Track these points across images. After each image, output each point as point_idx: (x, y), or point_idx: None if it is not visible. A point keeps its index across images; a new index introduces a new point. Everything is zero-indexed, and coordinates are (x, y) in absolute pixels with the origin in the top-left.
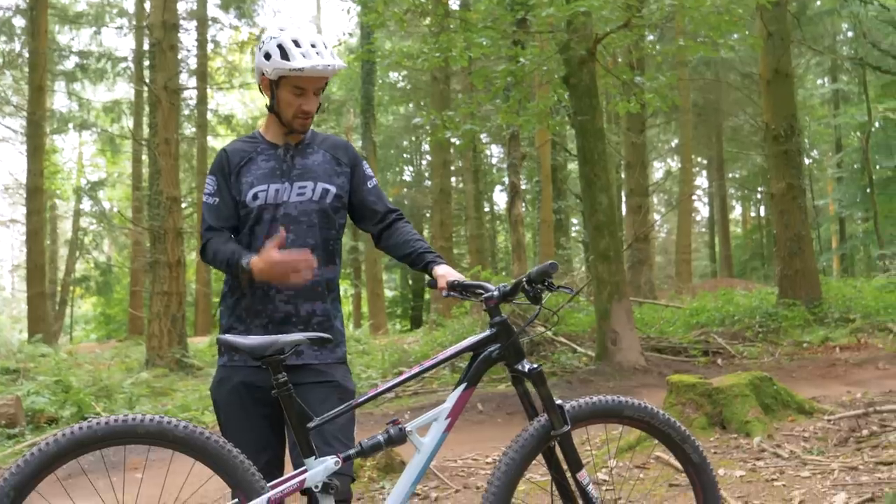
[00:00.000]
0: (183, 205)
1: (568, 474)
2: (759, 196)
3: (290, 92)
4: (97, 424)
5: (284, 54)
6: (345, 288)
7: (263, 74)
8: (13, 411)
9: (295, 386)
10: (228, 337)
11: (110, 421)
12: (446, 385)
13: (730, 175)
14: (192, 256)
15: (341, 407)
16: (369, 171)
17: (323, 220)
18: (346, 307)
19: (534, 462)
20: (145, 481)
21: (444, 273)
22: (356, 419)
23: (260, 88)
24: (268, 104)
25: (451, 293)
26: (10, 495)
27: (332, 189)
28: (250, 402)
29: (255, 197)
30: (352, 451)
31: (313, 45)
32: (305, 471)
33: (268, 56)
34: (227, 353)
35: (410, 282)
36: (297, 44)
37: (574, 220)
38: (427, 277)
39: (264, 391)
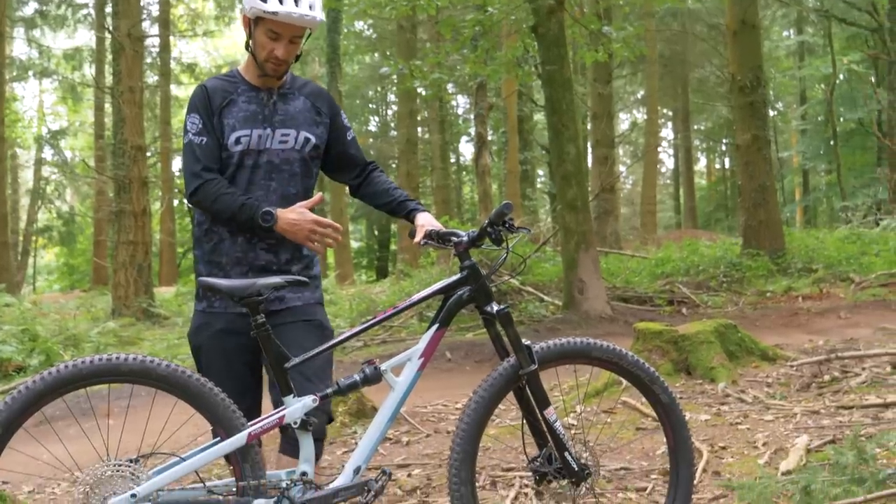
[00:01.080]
0: (147, 154)
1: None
2: (723, 148)
3: (265, 34)
4: (82, 363)
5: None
6: None
7: (244, 11)
8: None
9: (279, 326)
10: (210, 279)
11: (95, 360)
12: (414, 334)
13: (695, 127)
14: (157, 206)
15: (320, 347)
16: (347, 122)
17: (304, 169)
18: None
19: (505, 408)
20: (122, 427)
21: (424, 223)
22: (332, 362)
23: (242, 25)
24: (245, 43)
25: (428, 242)
26: None
27: (313, 139)
28: (231, 349)
29: (238, 141)
30: (329, 390)
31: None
32: (285, 409)
33: None
34: (205, 298)
35: (376, 232)
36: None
37: (540, 172)
38: (411, 227)
39: (245, 337)
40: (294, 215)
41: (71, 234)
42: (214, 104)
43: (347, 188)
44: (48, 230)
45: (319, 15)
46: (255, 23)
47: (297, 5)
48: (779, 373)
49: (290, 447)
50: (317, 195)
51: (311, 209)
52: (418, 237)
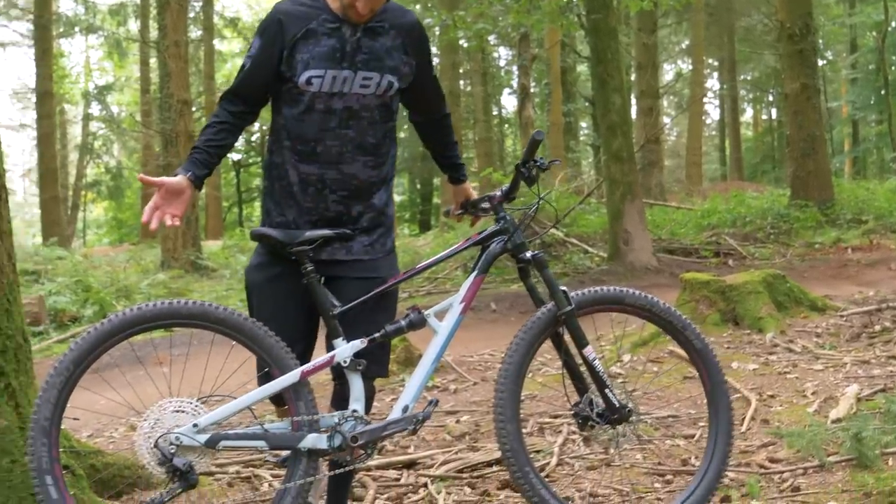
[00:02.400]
0: (193, 108)
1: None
2: (770, 98)
3: None
4: (146, 307)
5: None
6: None
7: None
8: (36, 310)
9: (341, 279)
10: (260, 228)
11: (157, 304)
12: (458, 285)
13: (742, 76)
14: None
15: (366, 296)
16: (432, 60)
17: (384, 114)
18: None
19: (551, 356)
20: (182, 373)
21: (462, 192)
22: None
23: None
24: None
25: (463, 212)
26: (69, 369)
27: (396, 83)
28: (287, 294)
29: (309, 82)
30: (376, 334)
31: None
32: (335, 351)
33: None
34: (264, 240)
35: (419, 186)
36: None
37: (583, 124)
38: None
39: (299, 281)
40: (164, 189)
41: (119, 188)
42: (288, 35)
43: (408, 115)
44: (97, 185)
45: None
46: None
47: None
48: (828, 323)
49: (339, 403)
50: (175, 218)
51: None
52: (455, 208)
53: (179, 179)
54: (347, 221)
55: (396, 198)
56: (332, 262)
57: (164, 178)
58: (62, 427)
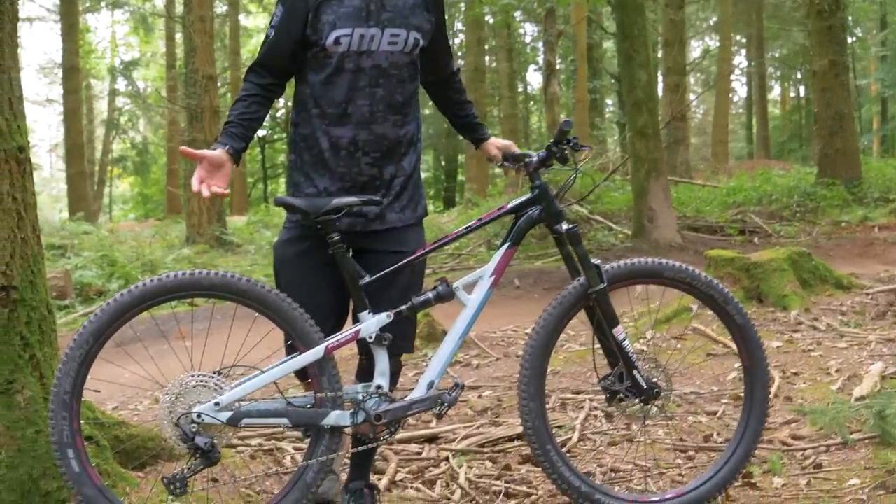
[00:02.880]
0: (218, 83)
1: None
2: (798, 76)
3: None
4: (167, 277)
5: None
6: None
7: None
8: (63, 284)
9: (373, 253)
10: (286, 197)
11: (178, 275)
12: (482, 262)
13: (769, 53)
14: None
15: (393, 266)
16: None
17: (412, 73)
18: None
19: (574, 333)
20: (204, 346)
21: (497, 144)
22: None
23: None
24: None
25: (506, 164)
26: (89, 342)
27: (421, 39)
28: (316, 268)
29: (338, 42)
30: (403, 307)
31: None
32: (360, 324)
33: None
34: (290, 211)
35: (444, 163)
36: None
37: (609, 101)
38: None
39: (329, 254)
40: (203, 163)
41: (145, 163)
42: (311, 1)
43: (425, 79)
44: (123, 160)
45: None
46: None
47: None
48: (853, 301)
49: (363, 377)
50: (223, 189)
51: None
52: (498, 160)
53: (219, 153)
54: (381, 186)
55: (421, 174)
56: (365, 233)
57: (205, 151)
58: (87, 398)
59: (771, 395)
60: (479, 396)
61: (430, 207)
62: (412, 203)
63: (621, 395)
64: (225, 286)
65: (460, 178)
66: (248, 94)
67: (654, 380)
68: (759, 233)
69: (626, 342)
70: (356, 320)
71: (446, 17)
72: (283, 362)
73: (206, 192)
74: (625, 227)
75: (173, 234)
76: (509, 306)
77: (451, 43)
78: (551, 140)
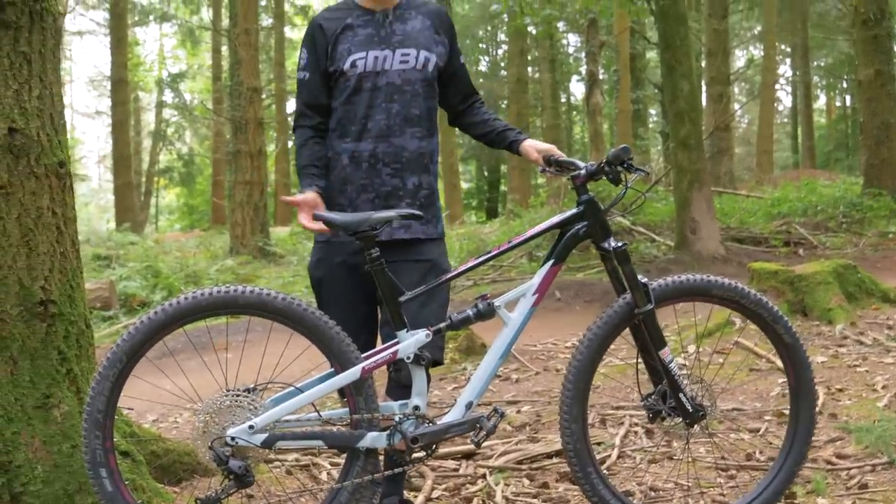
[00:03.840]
0: (262, 95)
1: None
2: (844, 85)
3: None
4: (201, 295)
5: None
6: None
7: None
8: (107, 295)
9: (394, 262)
10: (324, 213)
11: (213, 292)
12: (524, 274)
13: (815, 63)
14: (272, 147)
15: (432, 283)
16: (458, 47)
17: (427, 90)
18: None
19: (615, 347)
20: (240, 359)
21: (535, 148)
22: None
23: None
24: None
25: (548, 169)
26: (122, 360)
27: (433, 58)
28: (351, 282)
29: (354, 65)
30: (442, 325)
31: None
32: (398, 343)
33: None
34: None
35: (486, 173)
36: None
37: (652, 111)
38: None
39: (364, 269)
40: (301, 209)
41: (190, 174)
42: (328, 34)
43: (448, 118)
44: (169, 171)
45: None
46: None
47: None
48: None
49: (395, 391)
50: (319, 226)
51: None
52: (539, 164)
53: (309, 195)
54: (405, 196)
55: (464, 185)
56: (390, 243)
57: (299, 197)
58: (124, 413)
59: (816, 412)
60: (518, 412)
61: (473, 218)
62: (434, 219)
63: (664, 414)
64: (261, 304)
65: (503, 188)
66: (307, 138)
67: (700, 401)
68: (804, 244)
69: (674, 364)
70: (384, 335)
71: (489, 29)
72: (319, 381)
73: (315, 226)
74: (667, 239)
75: (217, 245)
76: (550, 319)
77: (464, 65)
78: (604, 159)
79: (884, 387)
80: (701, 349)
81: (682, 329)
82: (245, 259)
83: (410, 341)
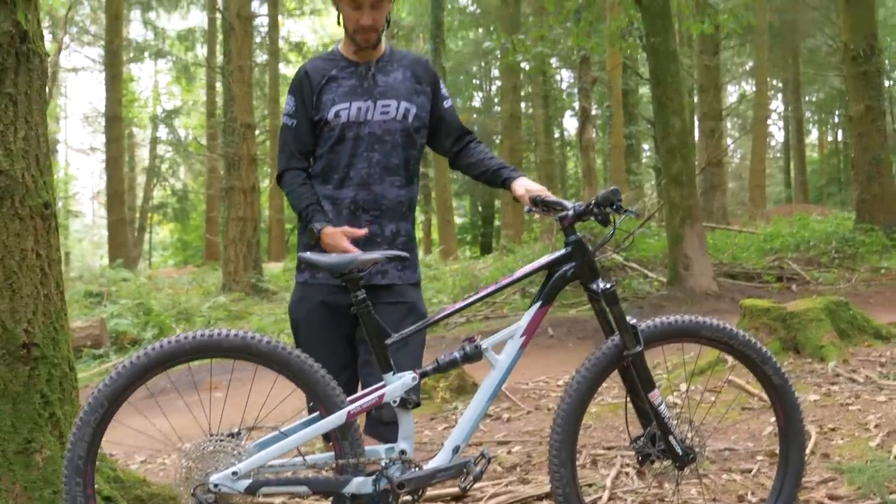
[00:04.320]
0: (256, 132)
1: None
2: (836, 120)
3: (348, 5)
4: (185, 339)
5: None
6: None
7: None
8: (98, 333)
9: (377, 305)
10: (310, 254)
11: (197, 335)
12: (517, 310)
13: (806, 98)
14: (266, 183)
15: (420, 324)
16: (446, 91)
17: (406, 140)
18: (417, 233)
19: (607, 385)
20: (227, 400)
21: (526, 188)
22: (425, 343)
23: (332, 2)
24: (337, 19)
25: (534, 209)
26: (104, 405)
27: (413, 108)
28: (332, 322)
29: (338, 115)
30: (429, 367)
31: None
32: (384, 386)
33: None
34: (307, 269)
35: (480, 208)
36: None
37: (645, 146)
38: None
39: (345, 310)
40: (330, 240)
41: (184, 210)
42: (314, 83)
43: (448, 161)
44: (163, 207)
45: None
46: None
47: None
48: (893, 352)
49: (374, 429)
50: (361, 230)
51: (354, 241)
52: (523, 201)
53: (328, 230)
54: (382, 242)
55: (458, 220)
56: (367, 287)
57: (326, 240)
58: (108, 457)
59: (807, 453)
60: (509, 452)
61: (467, 253)
62: (411, 265)
63: (653, 457)
64: (245, 348)
65: (497, 223)
66: (303, 179)
67: (690, 444)
68: (797, 280)
69: (663, 406)
70: (368, 383)
71: (482, 66)
72: (304, 426)
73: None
74: (660, 275)
75: (210, 282)
76: (542, 356)
77: (452, 107)
78: (593, 200)
79: (876, 426)
80: (692, 387)
81: (675, 367)
82: (238, 296)
83: (397, 384)
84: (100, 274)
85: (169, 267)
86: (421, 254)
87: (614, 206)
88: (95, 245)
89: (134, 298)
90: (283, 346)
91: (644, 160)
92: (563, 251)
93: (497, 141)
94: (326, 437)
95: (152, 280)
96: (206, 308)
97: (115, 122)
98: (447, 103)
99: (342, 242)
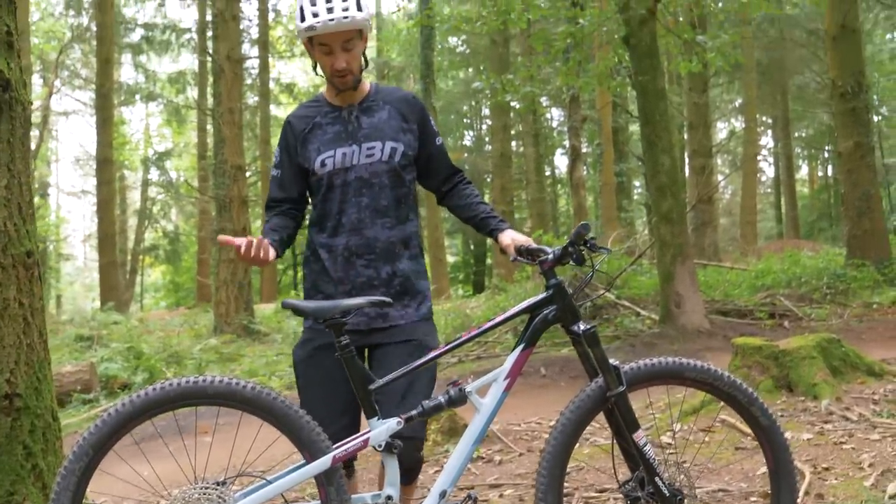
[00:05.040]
0: (247, 173)
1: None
2: (826, 155)
3: (320, 51)
4: (169, 386)
5: (301, 16)
6: None
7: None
8: (88, 377)
9: (380, 347)
10: (293, 301)
11: (182, 382)
12: (508, 349)
13: (796, 134)
14: (258, 224)
15: (402, 369)
16: (435, 128)
17: (394, 180)
18: None
19: (599, 426)
20: (214, 444)
21: (511, 237)
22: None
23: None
24: (313, 66)
25: (518, 258)
26: (88, 454)
27: (400, 147)
28: (332, 366)
29: (324, 164)
30: (413, 412)
31: (327, 1)
32: (369, 431)
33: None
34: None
35: (472, 247)
36: (312, 2)
37: (636, 183)
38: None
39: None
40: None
41: (176, 252)
42: (297, 133)
43: (436, 197)
44: (155, 249)
45: (360, 14)
46: (311, 45)
47: (330, 13)
48: (886, 389)
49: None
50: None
51: (351, 287)
52: (510, 254)
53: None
54: (379, 285)
55: (450, 259)
56: (370, 331)
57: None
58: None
59: (801, 493)
60: (501, 496)
61: (460, 292)
62: (414, 302)
63: (643, 501)
64: (230, 394)
65: (489, 261)
66: (273, 214)
67: (679, 485)
68: (789, 316)
69: (648, 447)
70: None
71: (473, 104)
72: (289, 473)
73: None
74: (652, 313)
75: (202, 323)
76: (534, 395)
77: (442, 145)
78: (568, 241)
79: (870, 465)
80: (684, 427)
81: (666, 406)
82: (229, 338)
83: (381, 429)
84: (91, 317)
85: (161, 309)
86: None
87: (587, 244)
88: (87, 288)
89: (125, 342)
90: (268, 392)
91: (635, 197)
92: (543, 295)
93: (488, 179)
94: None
95: (144, 322)
96: (198, 350)
97: (107, 164)
98: (438, 140)
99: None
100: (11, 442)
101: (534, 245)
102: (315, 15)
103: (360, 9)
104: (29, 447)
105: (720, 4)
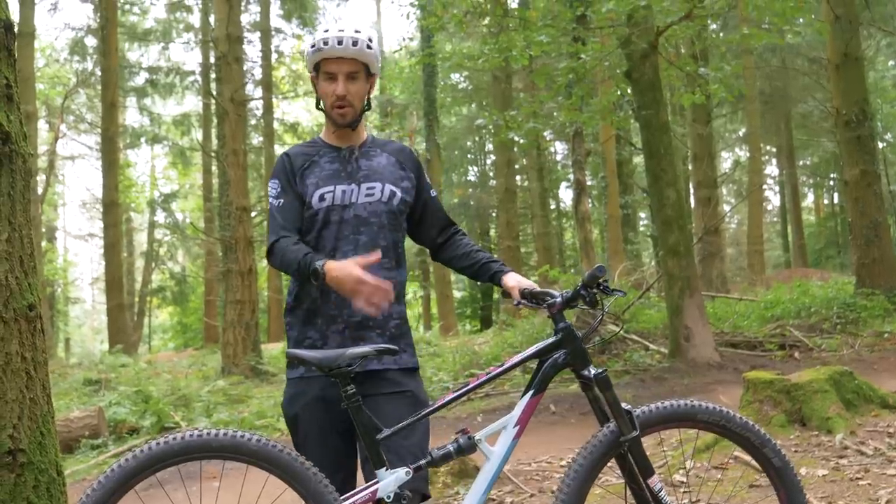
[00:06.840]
0: (252, 214)
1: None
2: (832, 183)
3: (324, 80)
4: (173, 440)
5: (313, 43)
6: (414, 290)
7: (309, 73)
8: (96, 422)
9: (374, 396)
10: (297, 351)
11: (186, 436)
12: (518, 386)
13: (801, 162)
14: (264, 264)
15: (413, 417)
16: (429, 181)
17: (392, 222)
18: (416, 309)
19: (609, 466)
20: (221, 490)
21: (515, 282)
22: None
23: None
24: (315, 102)
25: (522, 302)
26: None
27: (399, 192)
28: (327, 420)
29: (322, 198)
30: (422, 462)
31: (340, 30)
32: (377, 482)
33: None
34: (300, 364)
35: (479, 283)
36: (325, 31)
37: (642, 215)
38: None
39: (340, 405)
40: (338, 272)
41: (183, 293)
42: (295, 167)
43: (430, 253)
44: (162, 290)
45: (368, 50)
46: (316, 74)
47: (340, 34)
48: None
49: None
50: (374, 253)
51: (365, 267)
52: (514, 297)
53: (333, 264)
54: (374, 326)
55: (457, 294)
56: (362, 375)
57: (333, 273)
58: None
59: None
60: None
61: (467, 327)
62: (409, 348)
63: None
64: (235, 447)
65: (496, 296)
66: (293, 240)
67: None
68: (799, 347)
69: (664, 493)
70: (371, 478)
71: (476, 140)
72: None
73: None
74: (661, 346)
75: (210, 365)
76: (545, 433)
77: (436, 197)
78: (580, 283)
79: (888, 501)
80: (698, 464)
81: (681, 443)
82: (237, 379)
83: (390, 480)
84: (99, 360)
85: (169, 350)
86: (420, 330)
87: (601, 287)
88: (95, 331)
89: (133, 385)
90: (274, 445)
91: (641, 229)
92: (552, 339)
93: (493, 215)
94: None
95: (152, 365)
96: (205, 392)
97: (113, 207)
98: (433, 192)
99: (354, 270)
100: (16, 498)
101: (538, 288)
102: (325, 42)
103: (369, 47)
104: (33, 503)
105: (721, 36)
